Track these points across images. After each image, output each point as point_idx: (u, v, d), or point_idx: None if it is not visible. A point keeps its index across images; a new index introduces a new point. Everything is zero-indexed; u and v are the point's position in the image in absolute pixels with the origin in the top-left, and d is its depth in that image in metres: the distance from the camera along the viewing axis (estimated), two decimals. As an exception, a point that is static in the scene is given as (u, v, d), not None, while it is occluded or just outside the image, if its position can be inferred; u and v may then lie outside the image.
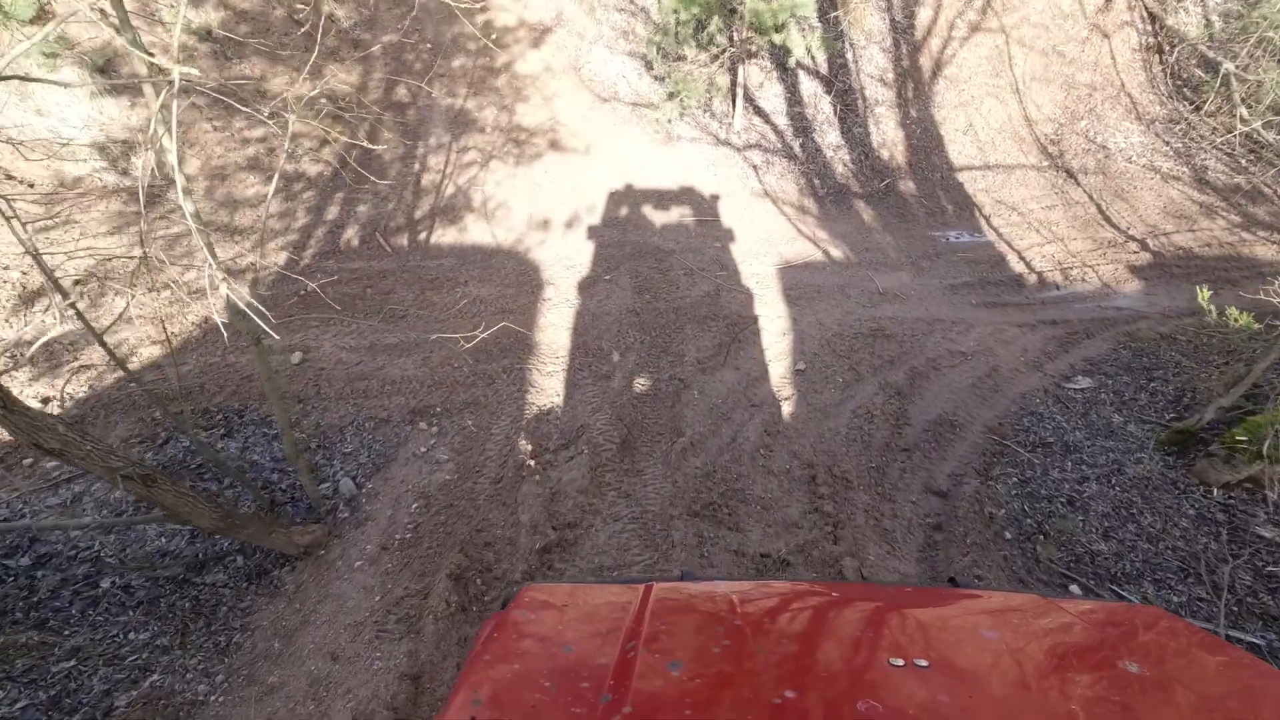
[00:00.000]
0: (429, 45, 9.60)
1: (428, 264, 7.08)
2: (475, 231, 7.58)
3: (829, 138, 9.97)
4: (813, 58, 10.46)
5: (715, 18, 8.79)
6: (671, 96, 9.26)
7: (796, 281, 7.34)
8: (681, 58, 9.88)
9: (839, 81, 10.31)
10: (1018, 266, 7.96)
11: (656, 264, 7.35)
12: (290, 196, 7.67)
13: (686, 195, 8.73)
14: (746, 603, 1.49)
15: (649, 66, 9.97)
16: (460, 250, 7.33)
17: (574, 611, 1.46)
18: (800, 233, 8.35)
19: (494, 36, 9.92)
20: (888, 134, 10.09)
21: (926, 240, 8.47)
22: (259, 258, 6.79)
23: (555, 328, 6.37)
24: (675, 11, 8.90)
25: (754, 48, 10.04)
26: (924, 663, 1.17)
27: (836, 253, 8.01)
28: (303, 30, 9.05)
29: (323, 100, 8.71)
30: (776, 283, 7.28)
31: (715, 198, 8.81)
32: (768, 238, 8.15)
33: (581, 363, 5.98)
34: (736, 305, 6.81)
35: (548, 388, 5.70)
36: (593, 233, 7.83)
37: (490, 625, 1.44)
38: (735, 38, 9.14)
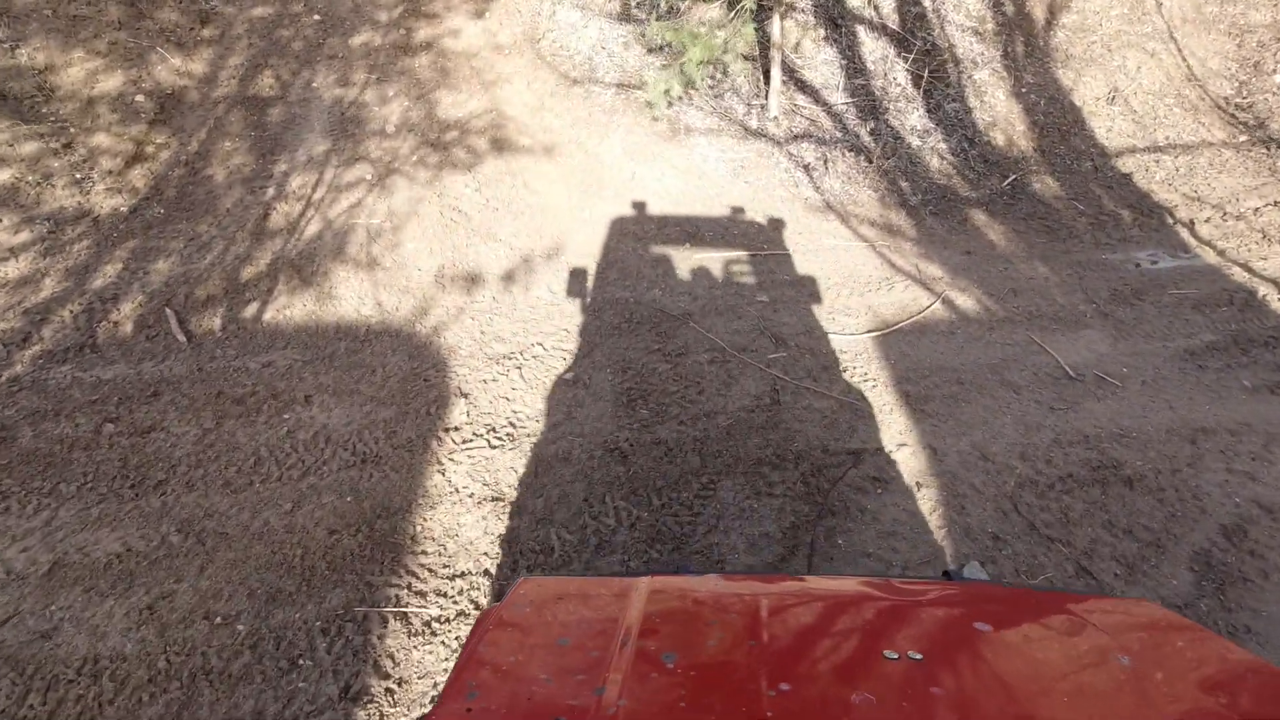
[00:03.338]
0: (317, 18, 6.56)
1: (246, 363, 3.92)
2: (345, 298, 4.41)
3: (911, 119, 6.73)
4: (875, 6, 7.26)
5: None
6: (666, 67, 6.07)
7: (912, 361, 4.06)
8: (681, 12, 6.74)
9: (917, 38, 7.09)
10: (1284, 308, 4.61)
11: (660, 343, 4.13)
12: (52, 249, 4.60)
13: (706, 219, 5.52)
14: (742, 596, 1.44)
15: (636, 25, 6.83)
16: (312, 334, 4.16)
17: (569, 605, 1.41)
18: (895, 268, 5.08)
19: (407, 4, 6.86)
20: (998, 109, 6.81)
21: (1105, 269, 5.14)
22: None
23: (457, 500, 3.16)
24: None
25: (792, -5, 6.88)
26: (918, 655, 1.10)
27: (966, 301, 4.73)
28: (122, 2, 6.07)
29: (139, 98, 5.68)
30: (880, 367, 4.01)
31: (751, 219, 5.60)
32: (845, 279, 4.90)
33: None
34: (815, 425, 3.55)
35: (415, 680, 2.48)
36: (551, 289, 4.64)
37: (485, 619, 1.33)
38: (767, -27, 5.98)
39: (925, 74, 6.80)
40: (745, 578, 1.71)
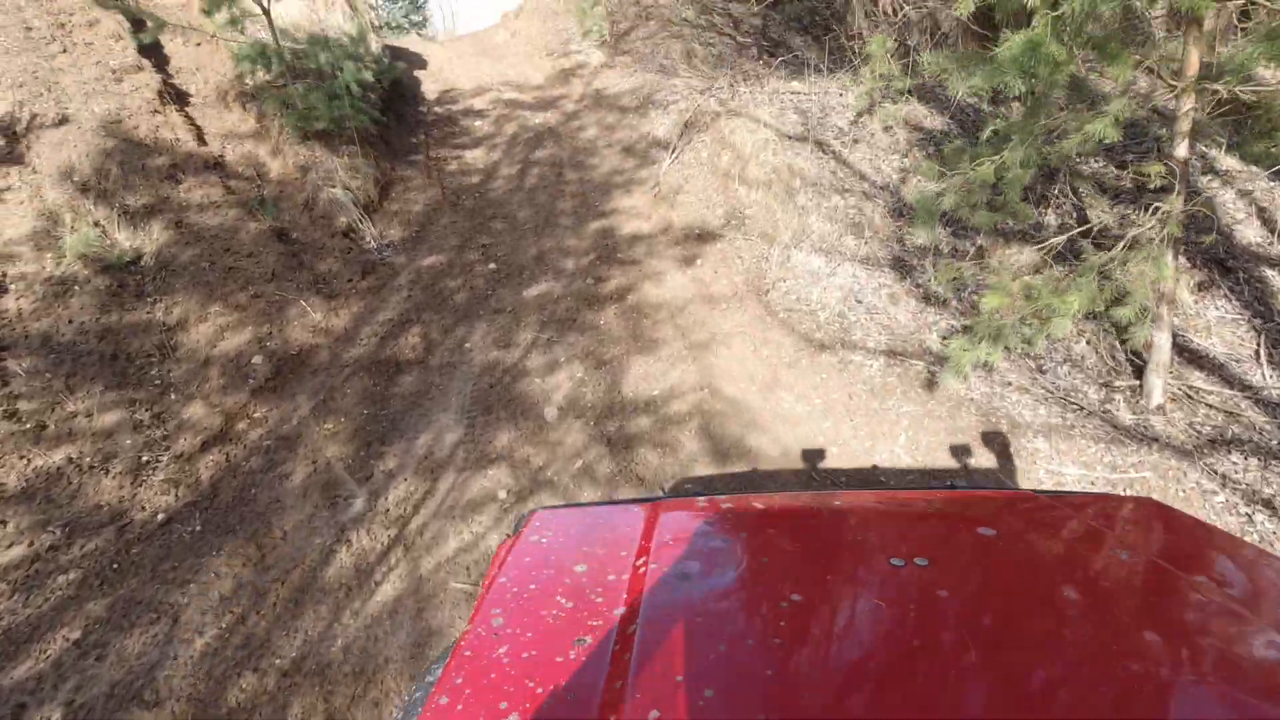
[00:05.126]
0: (492, 266, 5.37)
1: None
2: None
3: None
4: (1291, 246, 4.71)
5: (1083, 133, 3.46)
6: (972, 333, 3.74)
7: None
8: (980, 254, 4.63)
9: (1388, 289, 4.32)
10: None
11: None
12: (29, 582, 2.96)
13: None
14: (751, 514, 1.47)
15: (906, 275, 4.82)
16: None
17: (584, 532, 1.45)
18: None
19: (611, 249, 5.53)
20: None
21: None
22: None
23: None
24: (977, 161, 3.67)
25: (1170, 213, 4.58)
26: (924, 561, 1.14)
27: None
28: (285, 253, 5.26)
29: (256, 360, 4.47)
30: None
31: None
32: None
33: None
34: None
35: None
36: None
37: (505, 549, 1.39)
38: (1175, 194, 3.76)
39: None
40: (752, 496, 1.66)
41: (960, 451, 3.70)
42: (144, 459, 3.79)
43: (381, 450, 3.60)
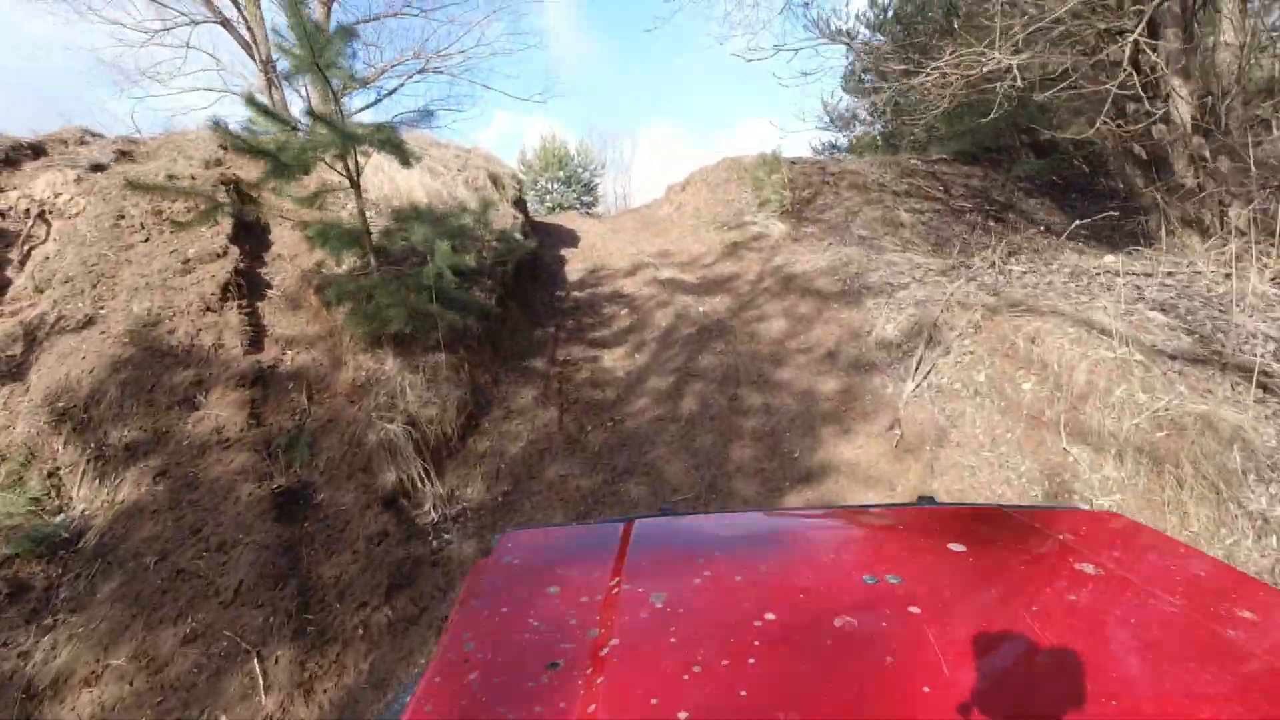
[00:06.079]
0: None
1: None
2: None
3: None
4: None
5: None
6: None
7: None
8: None
9: None
10: None
11: None
12: None
13: None
14: (725, 533, 1.49)
15: None
16: None
17: (556, 554, 1.45)
18: None
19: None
20: None
21: None
22: None
23: None
24: None
25: None
26: (896, 578, 1.15)
27: None
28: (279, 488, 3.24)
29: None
30: None
31: None
32: None
33: None
34: None
35: None
36: None
37: (475, 573, 1.35)
38: None
39: None
40: (726, 515, 1.71)
41: None
42: None
43: None
